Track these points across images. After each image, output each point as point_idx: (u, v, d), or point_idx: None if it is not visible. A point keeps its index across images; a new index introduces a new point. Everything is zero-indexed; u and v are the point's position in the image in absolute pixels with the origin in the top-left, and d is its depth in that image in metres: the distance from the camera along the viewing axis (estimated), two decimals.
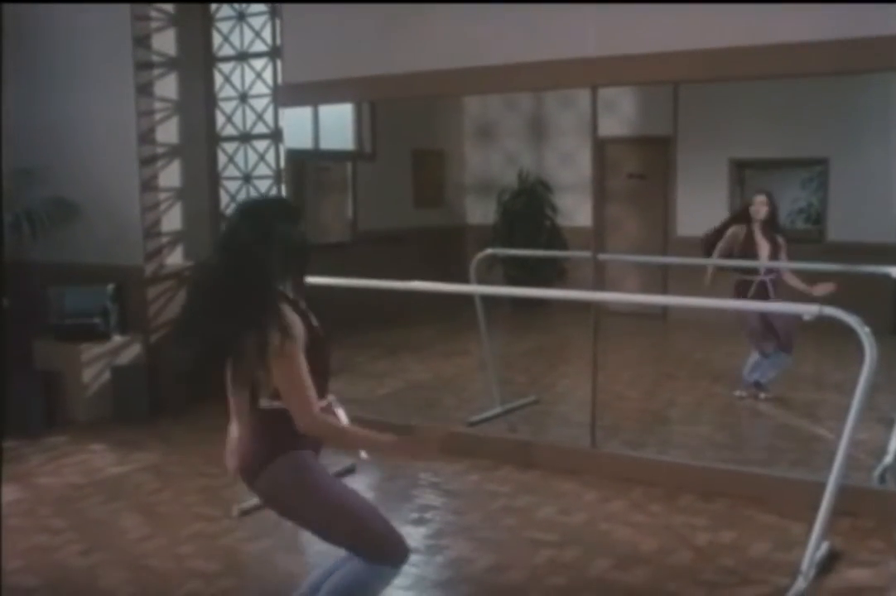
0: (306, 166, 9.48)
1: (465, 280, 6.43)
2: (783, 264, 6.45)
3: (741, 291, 6.44)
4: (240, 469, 2.91)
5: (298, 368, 2.71)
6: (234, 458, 2.96)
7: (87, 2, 6.61)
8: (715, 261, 6.62)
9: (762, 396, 6.60)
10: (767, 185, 6.81)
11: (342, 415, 2.99)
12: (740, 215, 6.69)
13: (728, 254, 6.56)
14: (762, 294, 6.35)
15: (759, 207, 6.51)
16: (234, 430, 2.98)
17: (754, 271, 6.44)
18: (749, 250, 6.49)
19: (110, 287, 6.61)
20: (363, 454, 3.31)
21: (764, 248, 6.47)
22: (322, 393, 2.86)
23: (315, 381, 2.77)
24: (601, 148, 6.36)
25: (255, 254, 2.75)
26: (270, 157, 6.86)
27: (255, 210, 2.93)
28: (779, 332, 6.38)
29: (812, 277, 6.40)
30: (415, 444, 2.85)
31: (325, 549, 4.32)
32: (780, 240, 6.53)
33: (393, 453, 3.05)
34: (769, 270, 6.43)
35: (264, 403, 2.81)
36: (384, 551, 2.91)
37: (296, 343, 2.70)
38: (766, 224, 6.51)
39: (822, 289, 6.05)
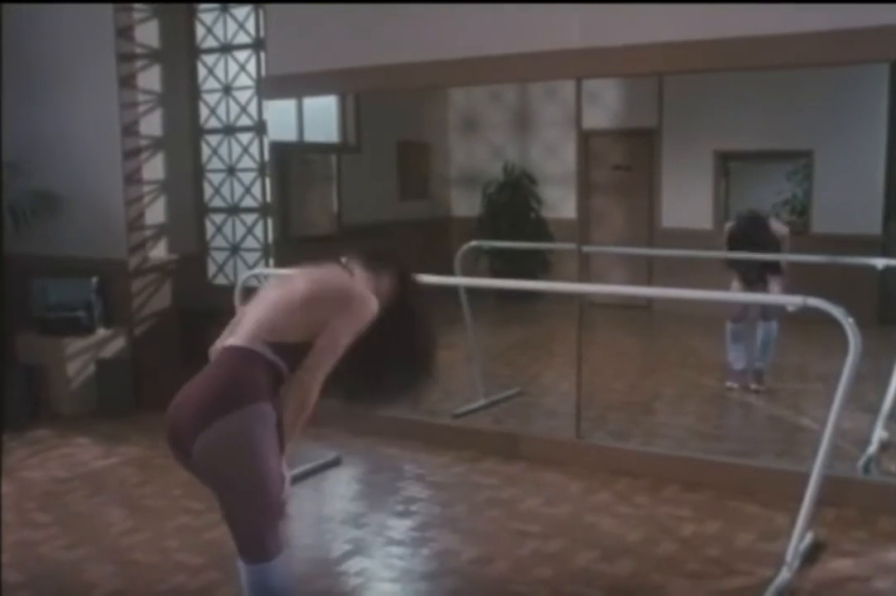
0: (290, 159, 9.42)
1: (450, 272, 6.42)
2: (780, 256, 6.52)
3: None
4: (198, 413, 2.71)
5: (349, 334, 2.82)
6: (193, 403, 2.75)
7: (78, 1, 6.57)
8: (700, 253, 6.64)
9: (753, 386, 6.58)
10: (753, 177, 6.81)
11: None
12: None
13: None
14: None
15: None
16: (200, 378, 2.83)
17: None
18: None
19: (94, 280, 6.59)
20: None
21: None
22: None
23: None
24: (586, 140, 6.33)
25: None
26: (254, 149, 6.86)
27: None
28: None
29: (797, 269, 6.42)
30: None
31: (311, 542, 4.34)
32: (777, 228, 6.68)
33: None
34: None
35: (262, 347, 2.79)
36: (266, 552, 2.81)
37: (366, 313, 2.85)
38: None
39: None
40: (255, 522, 2.81)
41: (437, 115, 11.43)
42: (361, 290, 2.95)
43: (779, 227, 6.68)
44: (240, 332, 2.88)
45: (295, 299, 2.89)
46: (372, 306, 2.91)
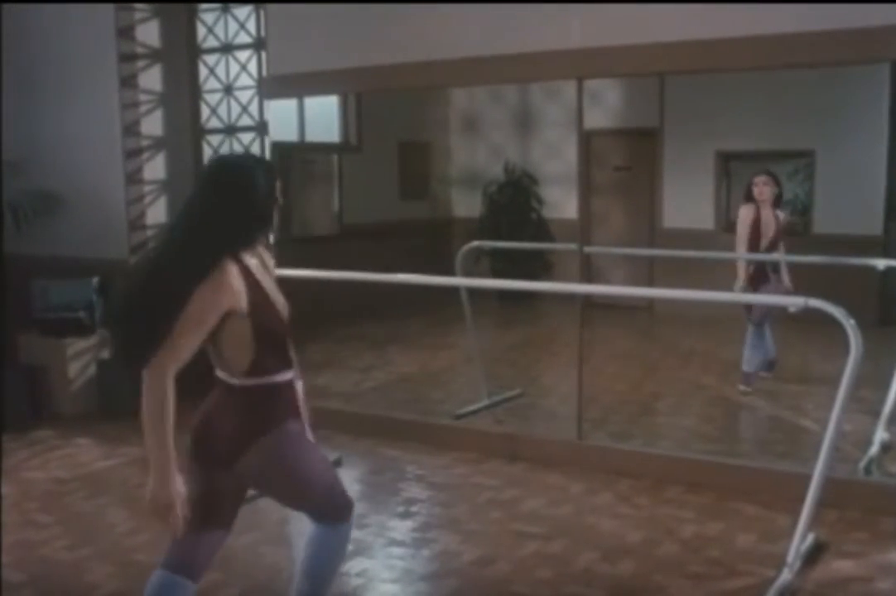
0: (292, 159, 9.44)
1: (451, 273, 6.42)
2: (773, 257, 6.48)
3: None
4: (222, 449, 2.82)
5: (190, 317, 2.60)
6: (212, 440, 2.86)
7: (79, 1, 6.57)
8: (701, 253, 6.63)
9: (741, 387, 6.56)
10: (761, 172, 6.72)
11: (300, 388, 2.93)
12: (747, 194, 6.58)
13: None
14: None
15: (762, 188, 6.42)
16: (208, 411, 2.91)
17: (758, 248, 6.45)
18: (754, 232, 6.44)
19: (95, 280, 6.58)
20: None
21: (768, 225, 6.43)
22: (286, 362, 2.84)
23: (266, 346, 2.74)
24: (587, 140, 6.35)
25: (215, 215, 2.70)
26: (255, 149, 6.83)
27: (224, 166, 2.87)
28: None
29: (798, 270, 6.42)
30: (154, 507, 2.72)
31: None
32: (782, 216, 6.53)
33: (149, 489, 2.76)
34: (772, 247, 6.44)
35: (239, 380, 2.78)
36: (338, 509, 3.01)
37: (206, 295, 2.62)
38: (771, 205, 6.46)
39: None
40: (311, 506, 3.03)
41: (439, 116, 11.44)
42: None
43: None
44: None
45: None
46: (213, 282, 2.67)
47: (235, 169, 2.81)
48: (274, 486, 2.96)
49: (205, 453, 2.88)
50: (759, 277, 6.42)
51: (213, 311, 2.64)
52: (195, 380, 2.94)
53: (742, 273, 6.45)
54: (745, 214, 6.49)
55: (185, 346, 2.63)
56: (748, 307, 6.50)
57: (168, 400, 2.69)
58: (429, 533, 4.38)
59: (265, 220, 2.84)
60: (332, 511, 3.01)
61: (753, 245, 6.43)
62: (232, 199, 2.73)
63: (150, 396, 2.67)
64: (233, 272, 2.67)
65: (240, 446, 2.79)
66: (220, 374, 2.85)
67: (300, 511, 3.10)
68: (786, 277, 6.42)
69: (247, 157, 3.02)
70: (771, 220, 6.42)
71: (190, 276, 2.62)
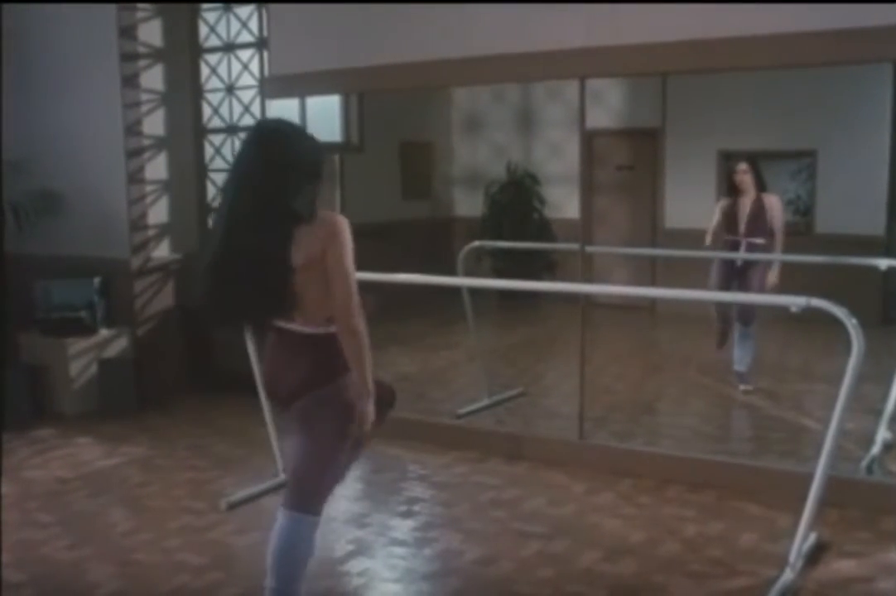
0: None
1: (453, 272, 6.42)
2: (775, 256, 6.47)
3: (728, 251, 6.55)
4: (293, 388, 3.04)
5: (350, 262, 2.92)
6: (284, 381, 3.08)
7: (81, 1, 6.57)
8: (704, 253, 6.63)
9: (743, 387, 6.56)
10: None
11: None
12: (729, 187, 6.64)
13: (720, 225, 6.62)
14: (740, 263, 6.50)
15: (742, 177, 6.48)
16: (276, 358, 3.12)
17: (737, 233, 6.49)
18: (732, 218, 6.51)
19: (96, 280, 6.58)
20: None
21: (744, 210, 6.46)
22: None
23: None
24: (589, 140, 6.35)
25: (280, 176, 2.91)
26: None
27: (275, 131, 3.05)
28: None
29: (800, 269, 6.41)
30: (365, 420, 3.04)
31: (316, 543, 4.34)
32: (771, 200, 6.51)
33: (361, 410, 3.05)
34: (750, 232, 6.44)
35: (314, 328, 3.00)
36: (313, 500, 3.10)
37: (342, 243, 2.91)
38: (757, 191, 6.49)
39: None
40: (317, 476, 3.09)
41: (440, 115, 11.44)
42: (323, 218, 2.98)
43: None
44: None
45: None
46: (341, 221, 2.97)
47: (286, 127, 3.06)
48: (313, 427, 3.05)
49: (276, 394, 3.17)
50: (733, 267, 6.49)
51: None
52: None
53: (708, 238, 6.62)
54: (720, 204, 6.67)
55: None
56: (739, 308, 6.52)
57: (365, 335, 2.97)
58: (430, 532, 4.38)
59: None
60: (313, 496, 3.09)
61: (730, 230, 6.51)
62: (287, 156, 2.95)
63: (364, 335, 2.94)
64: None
65: (308, 388, 3.01)
66: (289, 325, 3.03)
67: (297, 474, 3.12)
68: (773, 274, 6.41)
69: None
70: (747, 207, 6.45)
71: (290, 224, 2.88)
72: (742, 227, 6.46)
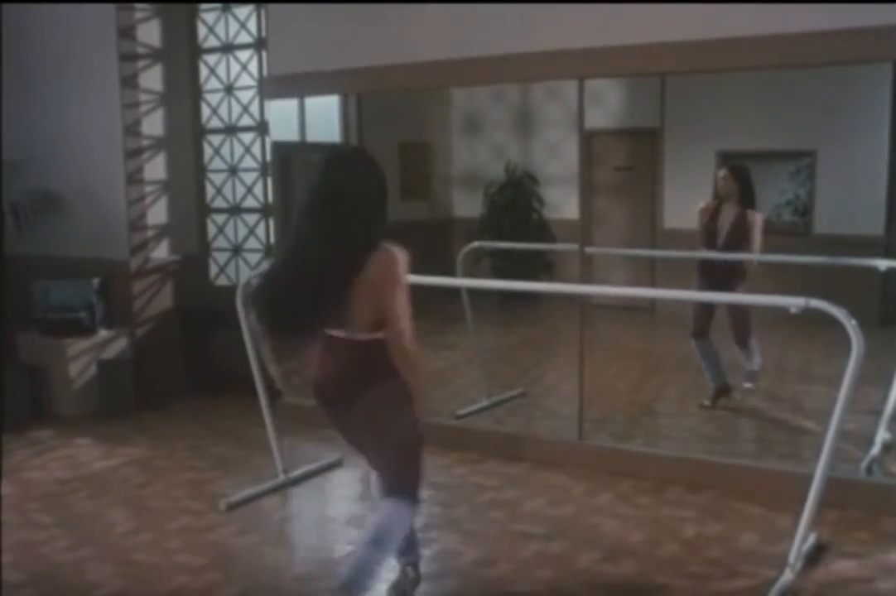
0: (292, 159, 9.42)
1: (452, 273, 6.41)
2: (773, 257, 6.41)
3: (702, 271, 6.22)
4: (346, 390, 3.23)
5: (403, 295, 3.14)
6: (338, 383, 3.26)
7: (80, 1, 6.57)
8: (703, 254, 6.60)
9: (745, 385, 6.51)
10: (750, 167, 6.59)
11: None
12: (714, 192, 6.40)
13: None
14: (719, 274, 6.12)
15: (722, 183, 6.20)
16: (330, 362, 3.28)
17: (714, 246, 6.15)
18: (710, 226, 6.19)
19: (95, 281, 6.58)
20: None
21: (725, 223, 6.14)
22: None
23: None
24: (588, 140, 6.33)
25: (364, 201, 3.31)
26: (256, 149, 6.86)
27: (356, 158, 3.46)
28: (733, 324, 6.25)
29: (799, 270, 6.39)
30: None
31: (314, 543, 4.34)
32: (754, 217, 6.13)
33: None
34: (727, 246, 6.10)
35: (365, 336, 3.17)
36: (414, 486, 3.32)
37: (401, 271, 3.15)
38: (736, 201, 6.16)
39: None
40: (412, 462, 3.32)
41: (439, 116, 11.42)
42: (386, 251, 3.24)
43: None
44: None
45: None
46: (399, 258, 3.22)
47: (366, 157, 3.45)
48: (375, 428, 3.27)
49: (329, 398, 3.32)
50: (715, 277, 6.11)
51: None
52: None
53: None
54: (700, 207, 6.33)
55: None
56: (734, 323, 6.30)
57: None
58: (429, 533, 4.37)
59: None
60: (407, 483, 3.30)
61: (709, 242, 6.19)
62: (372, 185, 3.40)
63: (418, 363, 3.20)
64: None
65: (361, 390, 3.20)
66: (341, 333, 3.20)
67: (382, 468, 3.38)
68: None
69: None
70: (729, 217, 6.15)
71: (361, 253, 3.15)
72: (720, 240, 6.15)
